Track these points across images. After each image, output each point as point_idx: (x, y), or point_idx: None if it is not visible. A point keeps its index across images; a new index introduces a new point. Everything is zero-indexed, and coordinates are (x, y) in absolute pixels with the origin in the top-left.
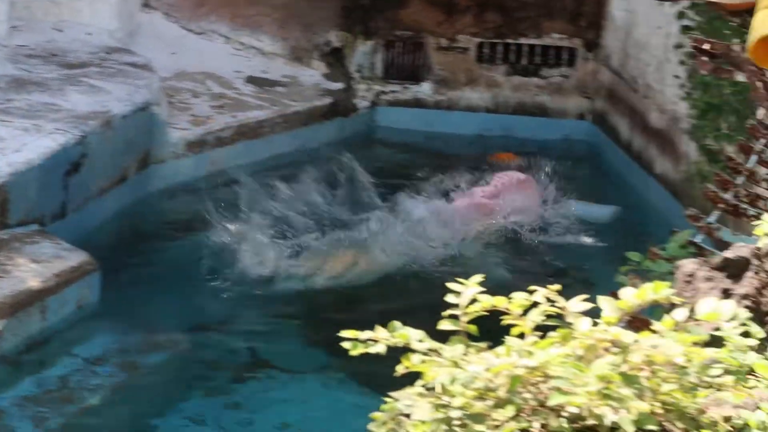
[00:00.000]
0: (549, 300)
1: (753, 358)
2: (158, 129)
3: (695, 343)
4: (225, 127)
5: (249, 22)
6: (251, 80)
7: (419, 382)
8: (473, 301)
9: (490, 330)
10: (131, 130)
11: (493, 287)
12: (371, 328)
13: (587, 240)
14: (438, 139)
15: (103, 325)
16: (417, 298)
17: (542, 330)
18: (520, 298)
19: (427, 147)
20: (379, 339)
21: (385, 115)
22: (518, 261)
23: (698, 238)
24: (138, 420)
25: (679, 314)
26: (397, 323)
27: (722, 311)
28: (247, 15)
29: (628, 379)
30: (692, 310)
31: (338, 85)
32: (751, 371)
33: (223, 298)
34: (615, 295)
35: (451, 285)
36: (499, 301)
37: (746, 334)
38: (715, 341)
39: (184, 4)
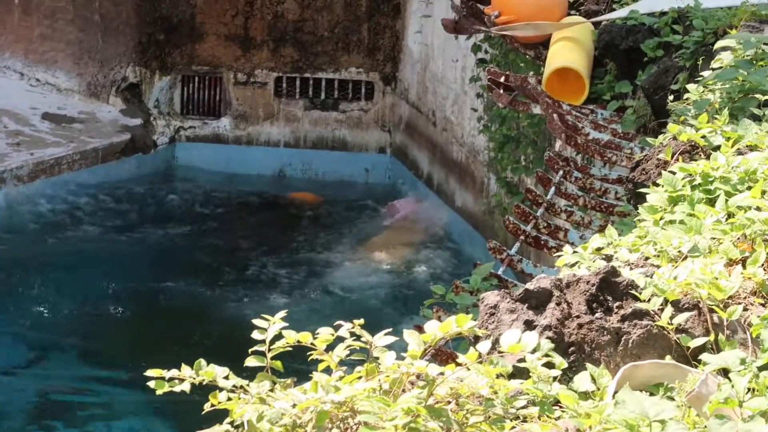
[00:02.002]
0: (354, 335)
1: (557, 389)
2: None
3: (500, 375)
4: (22, 165)
5: (44, 58)
6: (48, 117)
7: (227, 420)
8: (279, 336)
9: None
10: None
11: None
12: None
13: (391, 274)
14: (238, 174)
15: None
16: None
17: (349, 365)
18: (325, 333)
19: (226, 182)
20: (185, 377)
21: (185, 151)
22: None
23: (500, 270)
24: None
25: (483, 346)
26: (202, 361)
27: (525, 343)
28: (42, 51)
29: (435, 413)
30: (496, 342)
31: (136, 121)
32: (556, 402)
33: (19, 342)
34: (420, 329)
35: (256, 321)
36: (305, 337)
37: (550, 365)
38: (520, 372)
39: None
